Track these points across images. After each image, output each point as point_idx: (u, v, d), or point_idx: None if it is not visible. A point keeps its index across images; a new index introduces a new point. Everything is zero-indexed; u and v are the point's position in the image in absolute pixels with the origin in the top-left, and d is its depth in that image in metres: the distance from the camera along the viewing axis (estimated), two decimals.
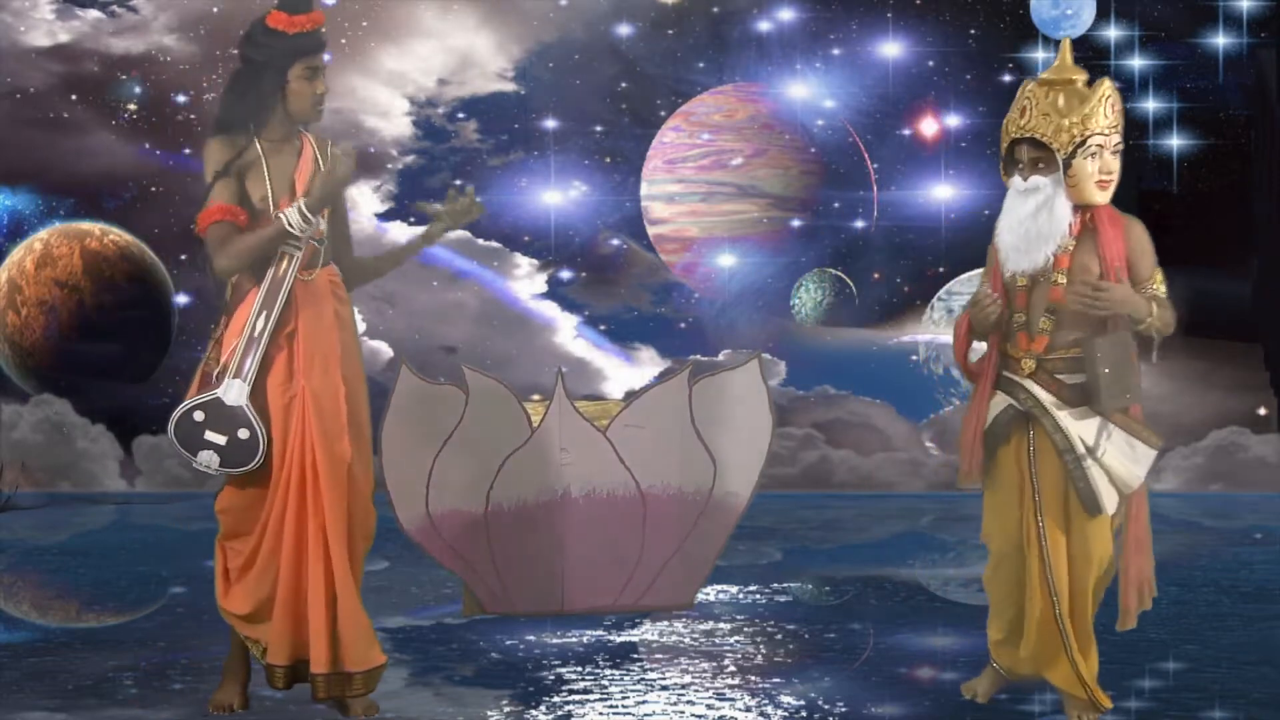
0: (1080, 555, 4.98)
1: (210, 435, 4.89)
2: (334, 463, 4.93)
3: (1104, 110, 4.92)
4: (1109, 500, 4.93)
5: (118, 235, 11.43)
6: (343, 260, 5.19)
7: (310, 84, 4.96)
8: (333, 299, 5.03)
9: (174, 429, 4.92)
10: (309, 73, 4.96)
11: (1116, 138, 4.96)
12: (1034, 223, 4.93)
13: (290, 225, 4.87)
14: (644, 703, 5.36)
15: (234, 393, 4.88)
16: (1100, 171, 4.93)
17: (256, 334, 4.89)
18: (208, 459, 4.91)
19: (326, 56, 5.06)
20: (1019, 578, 5.08)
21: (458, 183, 5.31)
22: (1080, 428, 4.93)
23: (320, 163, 5.01)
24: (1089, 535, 4.96)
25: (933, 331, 11.52)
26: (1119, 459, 4.92)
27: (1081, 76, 4.99)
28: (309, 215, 4.88)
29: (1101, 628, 5.10)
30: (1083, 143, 4.89)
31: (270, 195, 4.95)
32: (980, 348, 5.18)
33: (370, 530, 5.12)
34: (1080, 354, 4.92)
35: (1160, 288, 4.96)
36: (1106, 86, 4.94)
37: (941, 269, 11.42)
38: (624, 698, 5.43)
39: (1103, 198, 4.97)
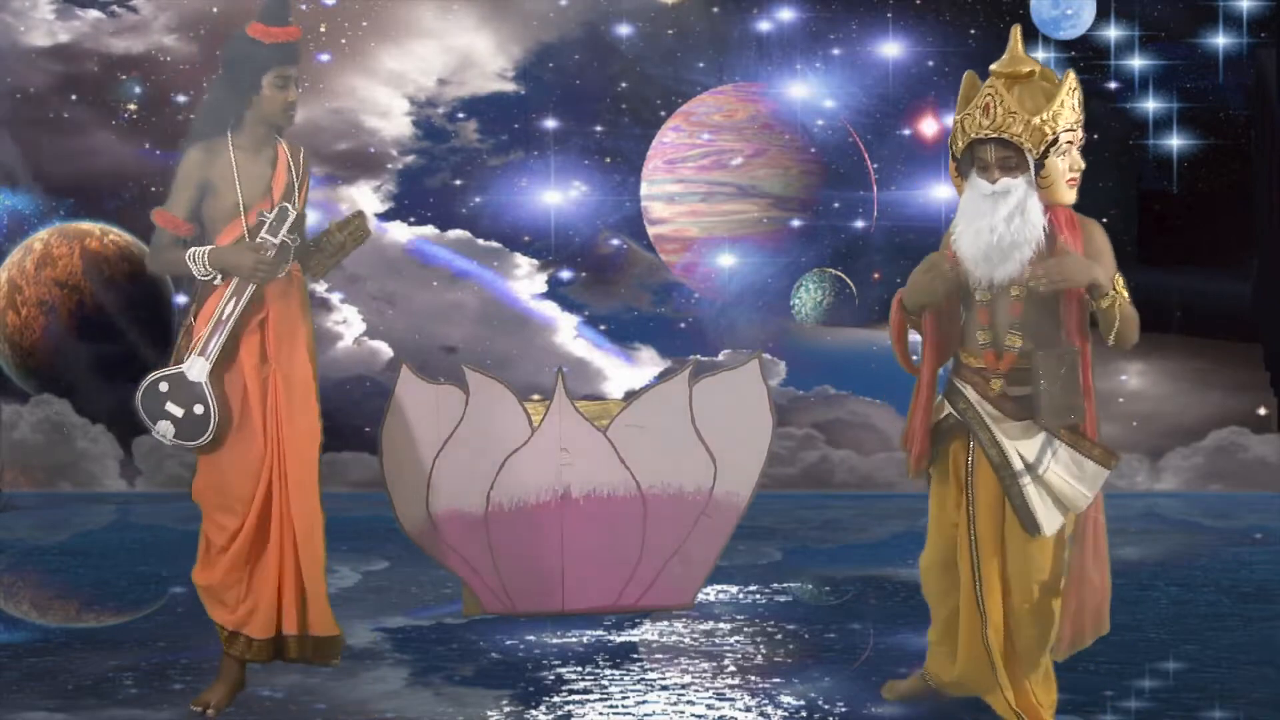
0: (1018, 575, 4.74)
1: (170, 406, 5.20)
2: (299, 437, 5.23)
3: (1071, 104, 4.67)
4: (1048, 521, 4.67)
5: (118, 235, 11.41)
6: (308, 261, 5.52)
7: (282, 92, 5.29)
8: (299, 290, 5.37)
9: (140, 396, 5.23)
10: (281, 81, 5.28)
11: (1081, 132, 4.72)
12: (1008, 229, 4.64)
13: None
14: (644, 703, 5.36)
15: (196, 369, 5.20)
16: (1070, 169, 4.69)
17: (225, 317, 5.21)
18: (165, 429, 5.20)
19: (293, 70, 5.34)
20: (952, 577, 4.90)
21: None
22: (1021, 443, 4.68)
23: (293, 171, 5.34)
24: (1029, 555, 4.72)
25: None
26: (1063, 477, 4.66)
27: (1036, 67, 4.72)
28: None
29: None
30: (1054, 141, 4.64)
31: (241, 202, 5.26)
32: (916, 338, 4.92)
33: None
34: (1028, 365, 4.67)
35: (1123, 293, 4.68)
36: (1072, 79, 4.69)
37: None
38: (624, 698, 5.43)
39: (1072, 196, 4.73)
